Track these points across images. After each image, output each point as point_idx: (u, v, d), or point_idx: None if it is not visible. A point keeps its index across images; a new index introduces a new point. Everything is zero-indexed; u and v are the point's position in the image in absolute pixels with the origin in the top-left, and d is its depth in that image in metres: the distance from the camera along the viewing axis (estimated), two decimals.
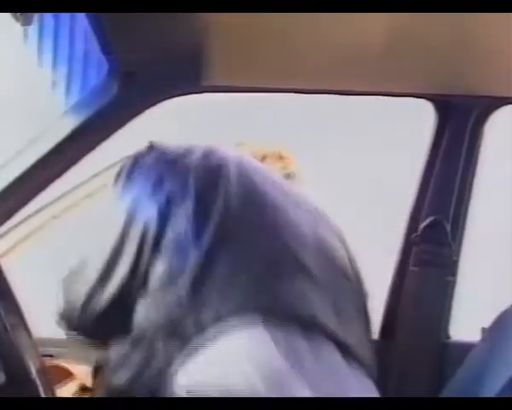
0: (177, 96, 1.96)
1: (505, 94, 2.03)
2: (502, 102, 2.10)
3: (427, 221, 2.12)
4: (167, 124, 2.84)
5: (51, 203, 2.30)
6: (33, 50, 2.85)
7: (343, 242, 1.61)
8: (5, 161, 2.00)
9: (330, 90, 2.03)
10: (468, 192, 2.17)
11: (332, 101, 2.05)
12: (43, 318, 1.87)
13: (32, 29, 2.59)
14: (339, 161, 3.76)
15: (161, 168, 1.53)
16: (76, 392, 1.77)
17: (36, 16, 1.77)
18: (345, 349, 1.48)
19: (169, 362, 1.41)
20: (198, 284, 1.43)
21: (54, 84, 2.75)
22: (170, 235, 1.46)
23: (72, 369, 1.88)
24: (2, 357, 1.11)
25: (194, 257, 1.43)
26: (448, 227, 2.11)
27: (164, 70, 1.88)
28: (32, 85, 3.46)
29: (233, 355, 1.39)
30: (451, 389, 1.77)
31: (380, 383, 1.54)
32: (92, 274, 1.50)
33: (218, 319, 1.41)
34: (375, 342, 1.88)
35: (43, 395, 1.18)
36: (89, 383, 1.72)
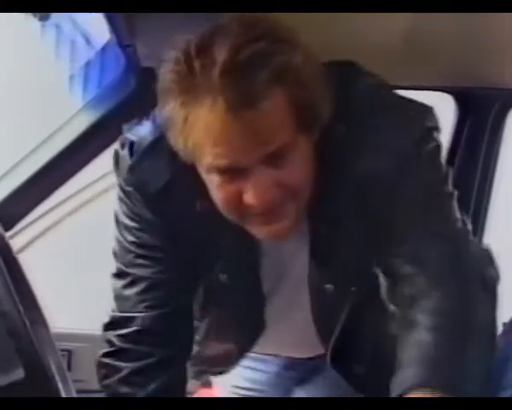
0: None
1: None
2: None
3: None
4: None
5: (69, 199, 2.30)
6: (50, 45, 2.85)
7: None
8: (23, 156, 2.00)
9: None
10: (489, 186, 2.16)
11: None
12: (60, 313, 1.87)
13: (50, 24, 2.59)
14: None
15: None
16: None
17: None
18: None
19: None
20: None
21: (71, 78, 2.75)
22: None
23: None
24: (22, 353, 1.10)
25: None
26: (469, 221, 2.09)
27: None
28: (50, 80, 3.47)
29: None
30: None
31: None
32: None
33: None
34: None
35: (61, 390, 1.18)
36: None
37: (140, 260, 1.46)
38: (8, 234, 1.83)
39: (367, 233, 1.41)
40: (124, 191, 1.44)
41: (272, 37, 1.22)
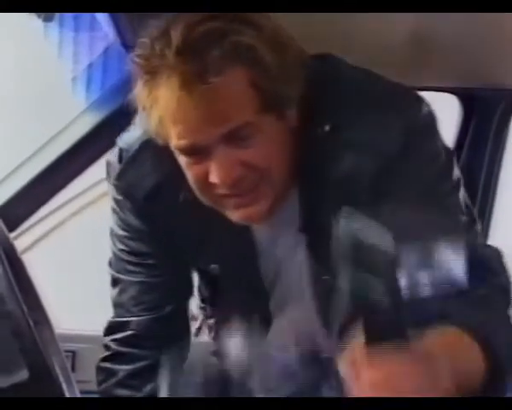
0: None
1: None
2: None
3: None
4: None
5: (72, 200, 2.30)
6: (54, 46, 2.85)
7: None
8: (27, 157, 2.00)
9: None
10: (494, 186, 2.15)
11: None
12: (65, 314, 1.87)
13: (53, 24, 2.59)
14: None
15: None
16: None
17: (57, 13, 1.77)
18: None
19: None
20: None
21: (74, 79, 2.74)
22: None
23: None
24: (26, 354, 1.10)
25: None
26: None
27: None
28: (53, 81, 3.47)
29: None
30: None
31: None
32: None
33: None
34: None
35: (66, 391, 1.18)
36: None
37: (131, 267, 1.51)
38: (12, 235, 1.82)
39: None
40: (115, 200, 1.49)
41: (229, 17, 1.24)
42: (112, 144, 1.95)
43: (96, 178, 2.23)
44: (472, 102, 2.12)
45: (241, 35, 1.23)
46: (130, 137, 1.47)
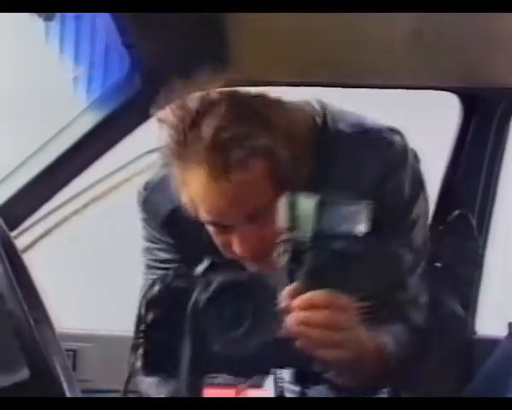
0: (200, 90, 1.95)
1: None
2: None
3: (453, 215, 2.11)
4: None
5: (73, 199, 2.30)
6: (55, 46, 2.85)
7: None
8: (27, 157, 2.00)
9: (355, 84, 2.02)
10: (494, 185, 2.15)
11: (357, 95, 2.04)
12: (66, 313, 1.87)
13: (54, 24, 2.59)
14: None
15: None
16: None
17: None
18: None
19: None
20: None
21: (75, 79, 2.75)
22: None
23: None
24: (26, 353, 1.10)
25: None
26: (474, 221, 2.09)
27: (186, 65, 1.87)
28: (54, 81, 3.47)
29: None
30: (477, 386, 1.75)
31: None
32: None
33: None
34: None
35: (67, 390, 1.18)
36: None
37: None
38: (13, 233, 1.83)
39: None
40: (141, 219, 1.73)
41: (252, 120, 1.49)
42: (112, 143, 1.97)
43: (96, 178, 2.24)
44: (472, 102, 2.11)
45: (260, 137, 1.49)
46: (156, 169, 1.71)
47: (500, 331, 1.85)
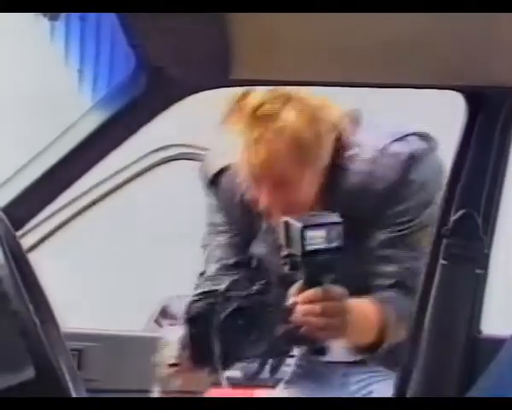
0: (205, 90, 1.95)
1: None
2: None
3: (458, 214, 2.10)
4: (196, 116, 2.83)
5: (79, 198, 2.30)
6: (60, 45, 2.85)
7: None
8: (33, 156, 2.00)
9: (359, 83, 2.02)
10: (500, 185, 2.15)
11: (361, 94, 2.03)
12: (71, 312, 1.87)
13: (59, 24, 2.59)
14: None
15: None
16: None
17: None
18: None
19: None
20: None
21: (81, 78, 2.75)
22: None
23: None
24: (32, 352, 1.10)
25: None
26: (479, 220, 2.09)
27: (192, 65, 1.87)
28: (59, 80, 3.47)
29: None
30: (482, 386, 1.75)
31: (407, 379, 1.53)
32: None
33: None
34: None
35: (72, 390, 1.18)
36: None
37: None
38: (18, 233, 1.83)
39: None
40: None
41: (282, 100, 2.04)
42: (117, 143, 1.96)
43: (101, 178, 2.24)
44: (478, 101, 2.11)
45: (289, 115, 1.99)
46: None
47: (506, 331, 1.85)
